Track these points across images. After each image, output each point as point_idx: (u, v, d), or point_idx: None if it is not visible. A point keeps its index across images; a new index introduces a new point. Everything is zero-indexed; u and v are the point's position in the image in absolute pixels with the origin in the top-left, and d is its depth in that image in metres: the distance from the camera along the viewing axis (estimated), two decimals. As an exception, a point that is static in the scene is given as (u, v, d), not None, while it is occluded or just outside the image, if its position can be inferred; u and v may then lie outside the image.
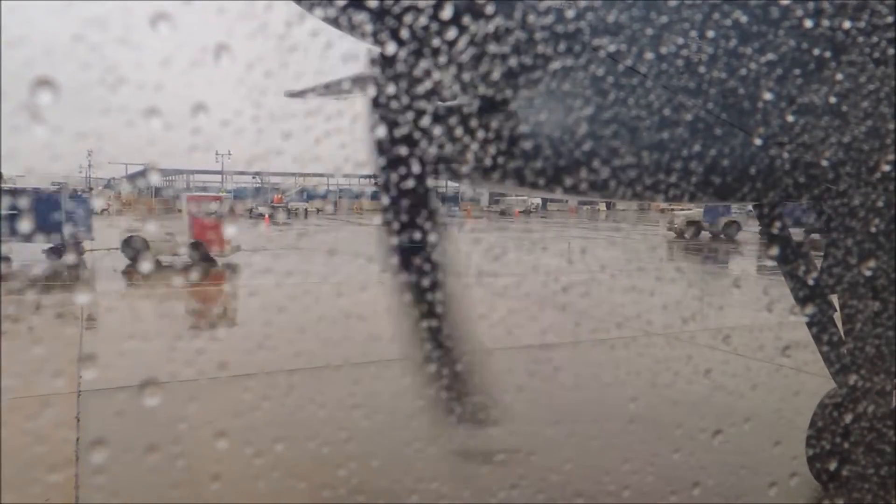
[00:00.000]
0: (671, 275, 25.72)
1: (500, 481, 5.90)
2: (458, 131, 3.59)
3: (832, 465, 5.27)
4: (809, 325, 5.10)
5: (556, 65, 3.57)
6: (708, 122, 3.89)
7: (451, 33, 3.17)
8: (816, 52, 4.01)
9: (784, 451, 6.48)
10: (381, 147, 3.33)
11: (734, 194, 4.17)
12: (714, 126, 3.90)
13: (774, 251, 5.27)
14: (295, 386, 9.26)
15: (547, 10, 3.51)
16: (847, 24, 4.02)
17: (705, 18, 3.85)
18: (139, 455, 5.67)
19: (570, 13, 3.56)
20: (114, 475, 5.76)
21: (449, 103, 3.86)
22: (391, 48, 3.16)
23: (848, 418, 5.03)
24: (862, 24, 4.04)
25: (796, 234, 5.79)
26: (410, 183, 3.29)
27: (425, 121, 3.24)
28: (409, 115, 3.21)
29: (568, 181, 3.75)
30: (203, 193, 28.52)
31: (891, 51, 4.04)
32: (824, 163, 4.13)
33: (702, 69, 3.84)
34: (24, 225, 20.38)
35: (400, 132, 3.21)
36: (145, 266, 22.01)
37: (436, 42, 3.16)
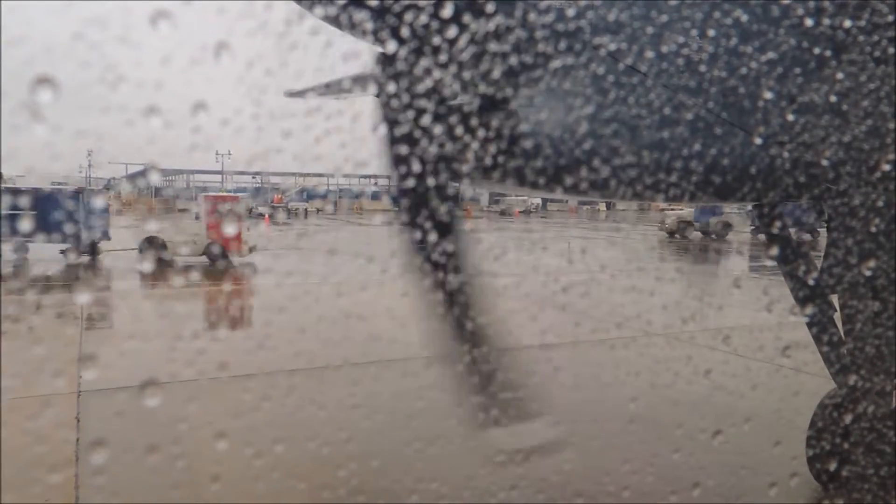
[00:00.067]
0: (670, 275, 25.75)
1: (499, 482, 5.89)
2: (459, 130, 3.58)
3: (832, 466, 5.27)
4: (809, 325, 5.09)
5: (556, 64, 3.57)
6: (708, 121, 3.89)
7: (452, 32, 3.17)
8: (817, 51, 4.01)
9: (784, 451, 6.47)
10: (399, 148, 3.32)
11: (734, 194, 4.16)
12: (714, 125, 3.90)
13: (774, 251, 5.27)
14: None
15: (547, 9, 3.51)
16: (847, 24, 4.02)
17: (706, 17, 3.85)
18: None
19: (570, 12, 3.56)
20: (113, 475, 5.76)
21: (449, 103, 3.86)
22: (401, 47, 3.16)
23: (848, 419, 5.03)
24: (862, 24, 4.04)
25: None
26: (430, 183, 3.30)
27: (435, 120, 3.25)
28: (426, 116, 3.22)
29: (568, 181, 3.74)
30: (220, 194, 28.52)
31: (891, 50, 4.04)
32: (824, 162, 4.13)
33: (702, 68, 3.84)
34: (42, 225, 20.47)
35: (418, 132, 3.22)
36: (163, 266, 22.27)
37: (436, 41, 3.16)
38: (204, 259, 23.02)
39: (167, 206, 64.60)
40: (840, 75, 4.05)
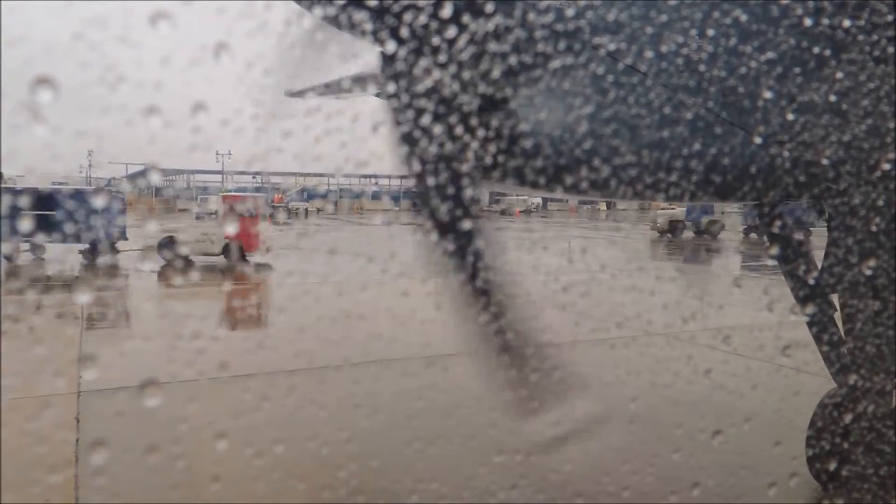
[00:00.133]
0: (668, 274, 25.76)
1: (500, 481, 5.90)
2: (458, 130, 3.58)
3: (832, 466, 5.26)
4: (809, 324, 5.09)
5: (556, 63, 3.57)
6: (708, 121, 3.89)
7: (451, 32, 3.17)
8: (816, 50, 4.01)
9: (784, 451, 6.47)
10: (421, 148, 3.33)
11: (734, 193, 4.16)
12: (714, 125, 3.90)
13: (774, 250, 5.26)
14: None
15: (547, 9, 3.51)
16: (847, 23, 4.02)
17: (705, 17, 3.85)
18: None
19: (570, 12, 3.56)
20: (113, 476, 5.76)
21: (461, 103, 3.86)
22: (399, 47, 3.17)
23: (848, 418, 5.03)
24: (862, 23, 4.04)
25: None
26: (454, 183, 3.31)
27: (434, 120, 3.25)
28: (449, 118, 3.23)
29: (568, 180, 3.74)
30: (238, 193, 28.53)
31: (891, 49, 4.04)
32: (825, 162, 4.13)
33: (702, 68, 3.84)
34: (60, 225, 20.52)
35: (439, 133, 3.22)
36: (182, 266, 22.41)
37: (435, 41, 3.16)
38: (222, 259, 23.08)
39: (167, 206, 64.60)
40: (840, 75, 4.05)
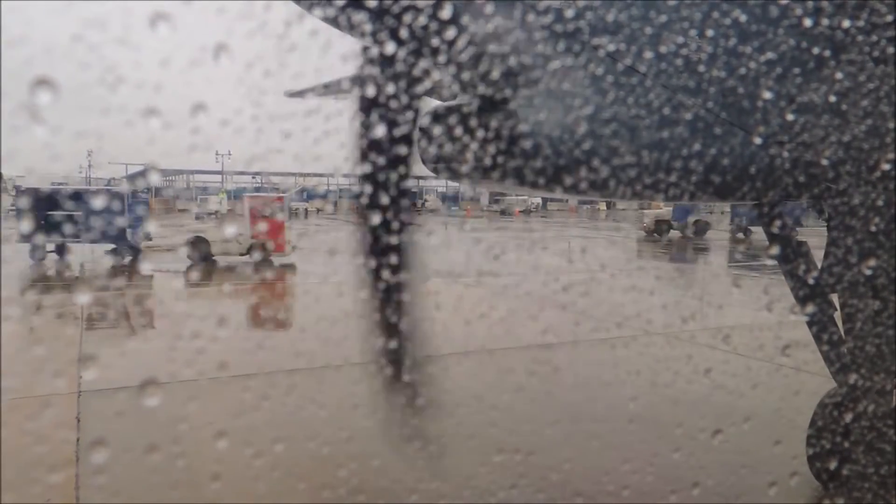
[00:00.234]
0: (668, 274, 25.78)
1: (499, 481, 5.90)
2: (458, 131, 3.59)
3: (832, 465, 5.27)
4: (809, 324, 5.09)
5: (555, 64, 3.57)
6: (708, 121, 3.89)
7: (451, 32, 3.17)
8: (816, 50, 4.01)
9: (784, 450, 6.47)
10: (361, 145, 3.33)
11: (734, 193, 4.17)
12: (714, 125, 3.90)
13: (774, 250, 5.26)
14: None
15: (546, 10, 3.51)
16: (847, 23, 4.02)
17: (705, 17, 3.85)
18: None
19: (569, 12, 3.56)
20: (113, 475, 5.77)
21: (448, 103, 3.87)
22: (387, 47, 3.16)
23: (848, 418, 5.03)
24: (861, 23, 4.04)
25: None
26: (383, 183, 3.28)
27: (434, 121, 3.24)
28: (384, 114, 3.21)
29: (568, 180, 3.74)
30: (263, 194, 28.60)
31: (890, 49, 4.04)
32: (824, 162, 4.13)
33: (701, 68, 3.84)
34: (87, 226, 20.60)
35: (376, 131, 3.21)
36: (208, 265, 22.47)
37: (435, 41, 3.16)
38: (248, 259, 23.15)
39: (167, 207, 64.60)
40: (839, 75, 4.05)
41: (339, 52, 3.54)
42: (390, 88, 3.15)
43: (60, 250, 23.32)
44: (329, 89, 5.83)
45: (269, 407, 7.97)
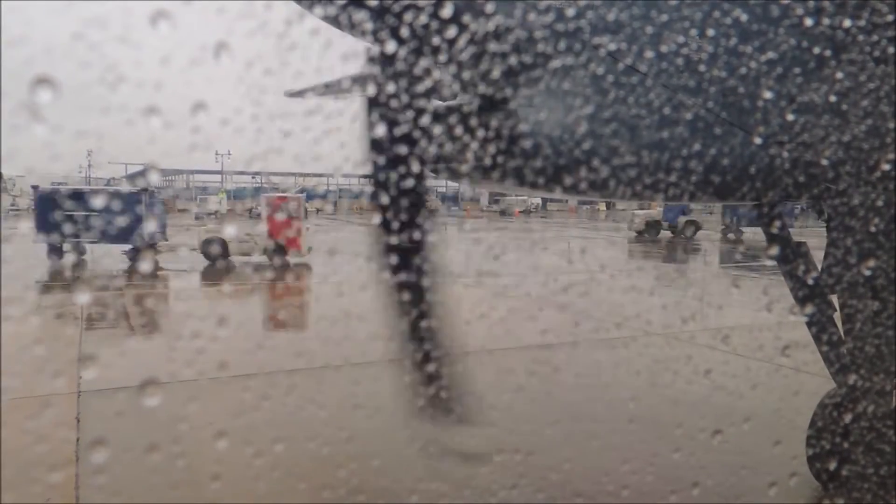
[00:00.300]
0: (665, 274, 25.79)
1: (500, 481, 5.90)
2: (458, 130, 3.58)
3: (832, 465, 5.27)
4: (809, 324, 5.09)
5: (555, 64, 3.57)
6: (708, 121, 3.89)
7: (451, 32, 3.17)
8: (816, 50, 4.01)
9: (784, 450, 6.47)
10: (375, 146, 3.33)
11: (734, 194, 4.16)
12: (714, 125, 3.90)
13: (774, 251, 5.26)
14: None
15: (547, 9, 3.51)
16: (847, 23, 4.02)
17: (705, 17, 3.85)
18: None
19: (570, 12, 3.56)
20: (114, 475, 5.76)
21: (449, 102, 3.86)
22: (390, 46, 3.16)
23: (848, 418, 5.03)
24: (862, 23, 4.04)
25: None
26: (401, 183, 3.29)
27: (420, 119, 3.24)
28: (404, 114, 3.21)
29: (567, 181, 3.74)
30: (280, 194, 28.60)
31: (891, 49, 4.04)
32: (824, 162, 4.13)
33: (702, 68, 3.84)
34: (105, 225, 20.65)
35: (394, 131, 3.22)
36: (225, 266, 22.57)
37: (435, 41, 3.16)
38: (264, 259, 23.20)
39: (167, 207, 64.45)
40: (840, 75, 4.05)
41: (340, 52, 3.54)
42: (402, 88, 3.16)
43: (77, 250, 23.33)
44: (329, 89, 5.82)
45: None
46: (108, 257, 23.06)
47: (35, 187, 23.11)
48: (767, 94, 3.97)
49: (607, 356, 11.54)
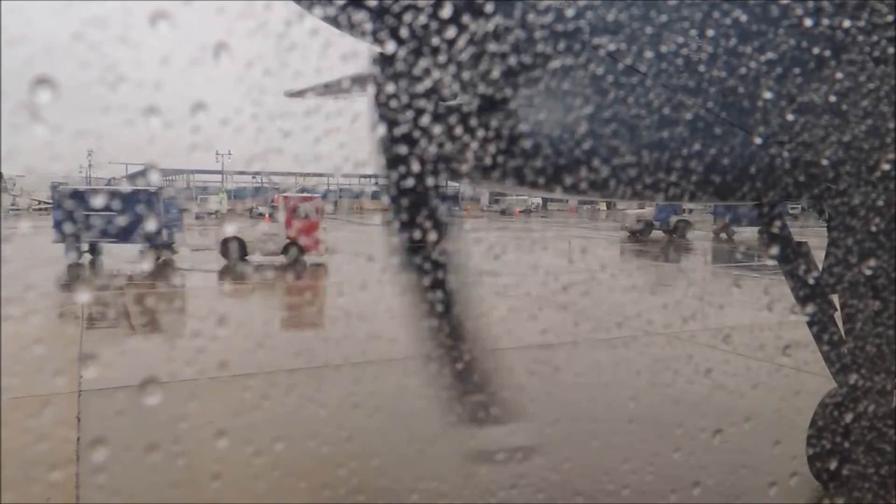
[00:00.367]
0: (664, 272, 25.80)
1: (499, 480, 5.89)
2: (458, 130, 3.58)
3: (832, 465, 5.26)
4: (810, 324, 5.09)
5: (555, 64, 3.57)
6: (708, 121, 3.89)
7: (451, 32, 3.17)
8: (816, 51, 4.01)
9: (784, 450, 6.47)
10: (388, 146, 3.33)
11: (734, 193, 4.16)
12: (714, 125, 3.90)
13: (774, 250, 5.26)
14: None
15: (547, 9, 3.51)
16: (847, 24, 4.02)
17: (705, 17, 3.85)
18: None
19: (569, 12, 3.56)
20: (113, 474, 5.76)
21: (449, 102, 3.86)
22: (394, 47, 3.17)
23: (848, 418, 5.03)
24: (862, 23, 4.04)
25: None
26: (418, 182, 3.31)
27: (434, 120, 3.25)
28: (418, 115, 3.22)
29: (568, 180, 3.74)
30: (298, 194, 28.64)
31: (891, 50, 4.04)
32: (824, 162, 4.13)
33: (702, 68, 3.84)
34: (123, 225, 20.67)
35: (408, 132, 3.22)
36: (244, 266, 22.63)
37: (435, 41, 3.16)
38: (282, 259, 23.20)
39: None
40: (840, 75, 4.05)
41: (340, 52, 3.54)
42: (410, 88, 3.17)
43: (95, 250, 23.37)
44: (329, 89, 5.83)
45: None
46: (127, 257, 23.13)
47: (55, 186, 23.20)
48: (768, 94, 3.97)
49: (607, 355, 11.54)
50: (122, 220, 20.63)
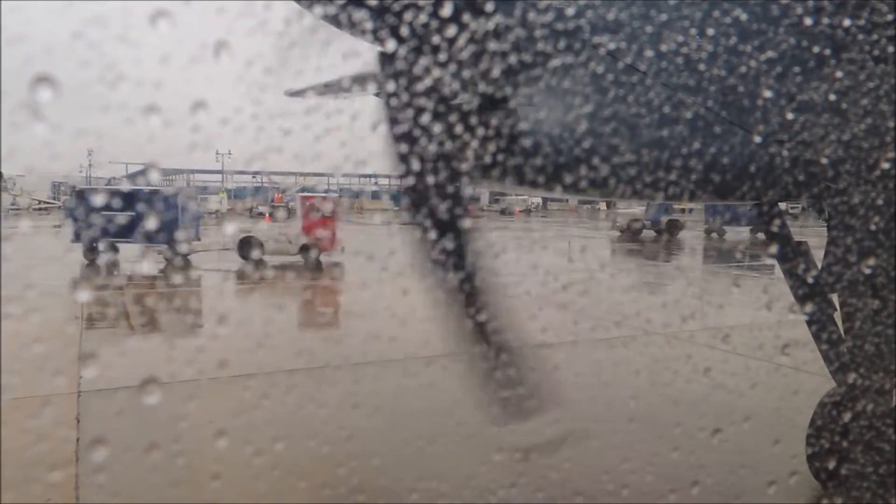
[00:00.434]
0: (669, 272, 25.81)
1: (499, 480, 5.90)
2: (460, 129, 3.59)
3: (832, 464, 5.27)
4: (809, 323, 5.09)
5: (555, 62, 3.57)
6: (708, 120, 3.89)
7: (451, 31, 3.17)
8: (816, 49, 4.01)
9: (783, 449, 6.48)
10: (408, 147, 3.34)
11: (734, 193, 4.17)
12: (714, 124, 3.90)
13: (773, 250, 5.27)
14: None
15: (547, 8, 3.51)
16: (847, 22, 4.02)
17: (705, 16, 3.85)
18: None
19: (570, 11, 3.56)
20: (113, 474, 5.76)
21: (456, 102, 3.86)
22: (400, 46, 3.17)
23: (847, 417, 5.03)
24: (862, 22, 4.04)
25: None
26: (440, 183, 3.32)
27: (446, 120, 3.26)
28: (439, 116, 3.23)
29: (568, 180, 3.75)
30: (315, 193, 28.69)
31: (891, 48, 4.04)
32: (824, 161, 4.13)
33: (702, 67, 3.84)
34: (141, 226, 20.70)
35: (426, 132, 3.23)
36: (260, 266, 22.56)
37: (435, 40, 3.16)
38: (298, 259, 23.21)
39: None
40: (839, 74, 4.05)
41: (340, 51, 3.54)
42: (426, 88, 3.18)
43: (112, 251, 23.36)
44: (330, 88, 5.82)
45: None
46: (145, 257, 23.20)
47: (73, 187, 23.36)
48: (767, 93, 3.97)
49: (606, 355, 11.54)
50: (140, 221, 20.67)
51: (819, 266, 4.94)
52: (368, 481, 6.05)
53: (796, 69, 4.01)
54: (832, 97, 4.05)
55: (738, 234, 41.36)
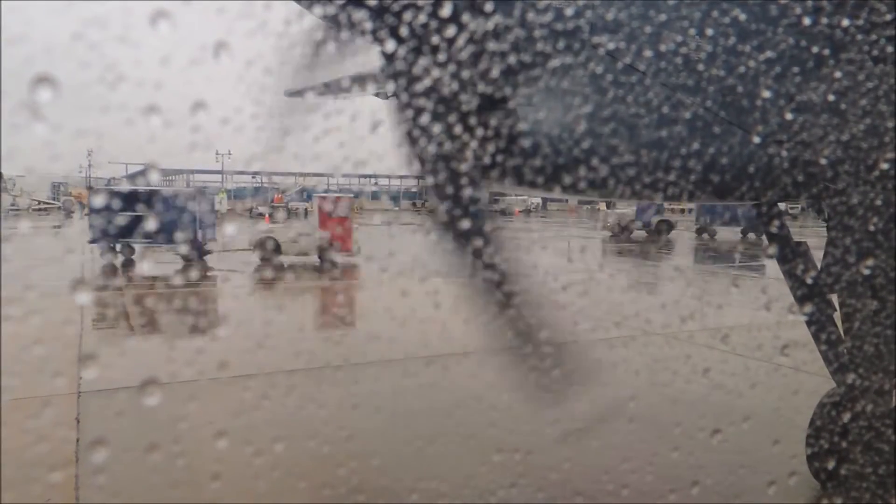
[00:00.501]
0: (668, 272, 25.83)
1: (499, 480, 5.90)
2: (457, 129, 3.59)
3: (831, 464, 5.27)
4: (809, 324, 5.09)
5: (555, 63, 3.57)
6: (707, 120, 3.89)
7: (451, 31, 3.17)
8: (815, 50, 4.01)
9: (783, 450, 6.48)
10: (432, 150, 3.35)
11: (733, 193, 4.17)
12: (713, 124, 3.90)
13: (772, 250, 5.27)
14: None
15: (546, 8, 3.51)
16: (846, 22, 4.03)
17: (704, 16, 3.86)
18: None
19: (569, 11, 3.56)
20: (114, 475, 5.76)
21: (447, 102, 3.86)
22: (398, 47, 3.18)
23: (847, 417, 5.03)
24: (861, 22, 4.05)
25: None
26: (465, 184, 3.34)
27: (463, 120, 3.28)
28: (452, 118, 3.25)
29: (567, 180, 3.75)
30: (332, 194, 28.66)
31: (890, 49, 4.04)
32: (823, 161, 4.13)
33: (701, 67, 3.84)
34: (160, 227, 20.68)
35: (450, 134, 3.25)
36: (278, 266, 22.60)
37: (435, 40, 3.16)
38: (315, 259, 23.21)
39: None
40: (838, 74, 4.06)
41: (340, 50, 3.54)
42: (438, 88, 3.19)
43: (130, 251, 23.38)
44: (330, 88, 5.82)
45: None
46: (163, 258, 23.25)
47: (90, 188, 23.44)
48: (766, 94, 3.97)
49: (605, 354, 11.53)
50: (156, 222, 20.67)
51: (818, 266, 4.95)
52: (370, 481, 6.06)
53: (795, 69, 4.01)
54: (831, 97, 4.05)
55: (730, 234, 41.44)
